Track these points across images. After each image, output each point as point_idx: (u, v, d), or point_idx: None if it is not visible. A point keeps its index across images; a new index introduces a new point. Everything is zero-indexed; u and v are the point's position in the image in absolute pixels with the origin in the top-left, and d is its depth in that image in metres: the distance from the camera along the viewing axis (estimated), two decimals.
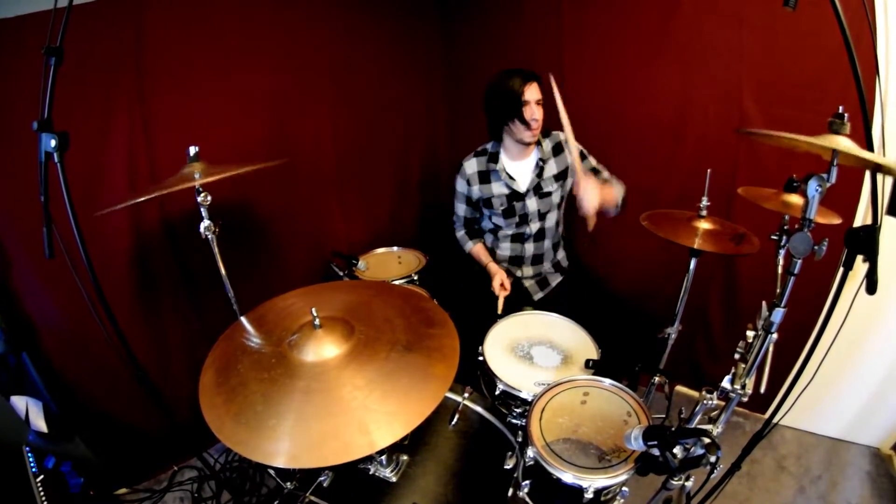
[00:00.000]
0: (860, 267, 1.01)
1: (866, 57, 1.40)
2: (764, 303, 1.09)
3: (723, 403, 1.16)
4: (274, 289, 1.19)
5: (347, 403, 0.81)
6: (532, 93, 1.58)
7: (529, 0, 2.02)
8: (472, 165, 1.80)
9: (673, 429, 0.91)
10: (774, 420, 1.50)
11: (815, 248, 0.92)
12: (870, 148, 1.03)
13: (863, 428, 1.87)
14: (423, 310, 1.05)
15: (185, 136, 1.47)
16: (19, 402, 1.33)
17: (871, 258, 1.00)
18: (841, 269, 1.13)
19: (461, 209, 1.90)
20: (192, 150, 1.14)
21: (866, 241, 0.99)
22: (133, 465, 1.68)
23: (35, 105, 0.97)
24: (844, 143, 0.87)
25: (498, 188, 1.77)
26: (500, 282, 1.72)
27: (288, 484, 1.16)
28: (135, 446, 1.64)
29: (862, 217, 1.64)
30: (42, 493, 1.23)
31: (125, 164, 1.42)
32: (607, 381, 1.19)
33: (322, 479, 1.10)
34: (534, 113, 1.58)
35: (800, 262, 0.95)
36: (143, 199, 1.02)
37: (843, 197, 1.59)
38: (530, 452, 1.01)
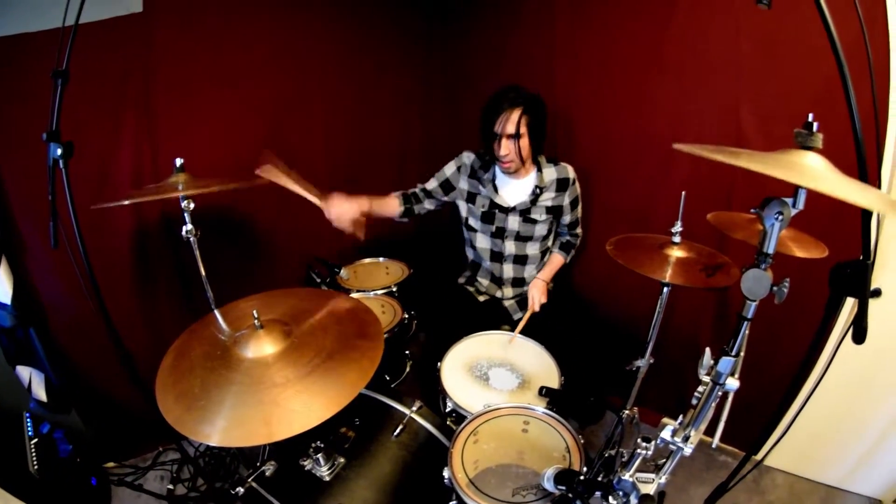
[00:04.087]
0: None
1: (882, 70, 1.32)
2: (708, 349, 0.93)
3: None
4: (257, 291, 1.28)
5: (262, 397, 0.89)
6: (501, 126, 1.57)
7: (524, 12, 2.04)
8: (470, 158, 1.81)
9: (581, 477, 0.91)
10: (741, 472, 1.42)
11: (775, 288, 0.77)
12: (862, 175, 0.85)
13: (863, 476, 1.73)
14: (361, 322, 1.11)
15: (185, 142, 1.66)
16: (24, 372, 1.51)
17: (861, 300, 0.88)
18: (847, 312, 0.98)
19: (428, 186, 1.84)
20: (178, 161, 1.29)
21: (854, 280, 0.87)
22: (122, 441, 1.83)
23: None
24: (813, 162, 0.71)
25: (483, 191, 1.79)
26: (342, 210, 1.54)
27: (250, 470, 1.25)
28: (125, 425, 1.79)
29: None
30: (34, 454, 1.39)
31: (130, 167, 1.60)
32: (540, 410, 1.18)
33: (265, 468, 1.18)
34: (502, 148, 1.59)
35: (754, 305, 0.80)
36: (126, 202, 1.17)
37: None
38: (445, 474, 1.03)
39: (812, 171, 0.70)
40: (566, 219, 1.85)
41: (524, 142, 1.60)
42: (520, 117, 1.56)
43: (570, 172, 1.77)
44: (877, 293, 1.53)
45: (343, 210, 1.55)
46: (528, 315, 1.71)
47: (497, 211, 1.77)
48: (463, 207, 1.86)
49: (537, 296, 1.75)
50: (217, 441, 0.83)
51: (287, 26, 1.89)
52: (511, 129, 1.56)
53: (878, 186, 1.34)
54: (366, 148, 2.26)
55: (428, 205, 1.87)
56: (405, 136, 2.41)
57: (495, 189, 1.76)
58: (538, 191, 1.74)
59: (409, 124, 2.40)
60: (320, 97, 2.04)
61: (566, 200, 1.80)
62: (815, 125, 0.74)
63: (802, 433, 1.75)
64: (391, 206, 1.79)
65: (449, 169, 1.82)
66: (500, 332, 1.61)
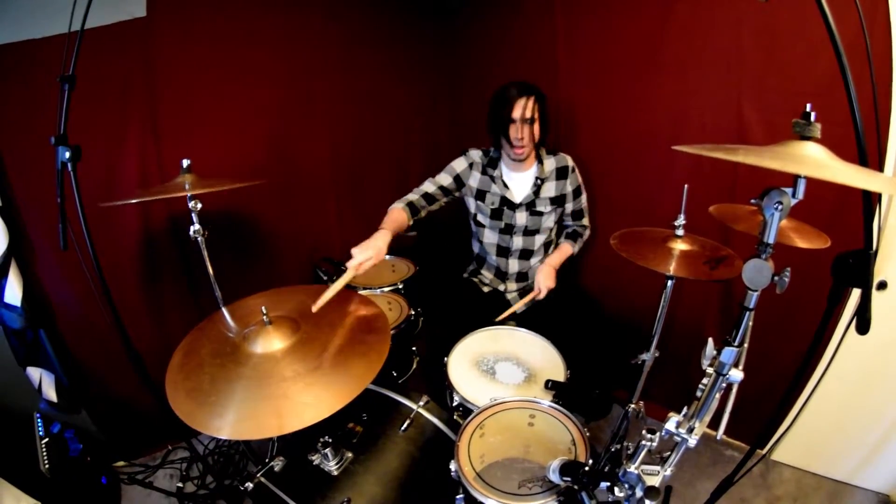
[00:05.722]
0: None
1: (882, 61, 1.32)
2: (711, 340, 0.93)
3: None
4: (264, 290, 1.30)
5: (272, 391, 0.90)
6: (519, 111, 1.62)
7: (525, 11, 2.05)
8: (477, 154, 1.83)
9: (586, 468, 0.91)
10: (745, 468, 1.42)
11: (776, 278, 0.76)
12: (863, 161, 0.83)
13: (872, 471, 1.71)
14: (368, 317, 1.13)
15: (191, 143, 1.67)
16: (34, 373, 1.53)
17: (864, 291, 0.88)
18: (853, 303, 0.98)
19: (439, 181, 1.77)
20: (185, 162, 1.30)
21: (857, 270, 0.87)
22: (132, 440, 1.85)
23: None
24: (811, 151, 0.70)
25: (494, 188, 1.81)
26: (359, 260, 1.36)
27: (259, 466, 1.26)
28: (135, 424, 1.81)
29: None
30: (45, 454, 1.41)
31: (137, 169, 1.62)
32: (545, 404, 1.18)
33: (274, 464, 1.19)
34: (518, 132, 1.64)
35: (755, 294, 0.79)
36: (135, 200, 1.18)
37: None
38: (452, 467, 1.04)
39: (810, 160, 0.70)
40: (569, 207, 1.87)
41: (536, 127, 1.67)
42: (534, 104, 1.64)
43: (569, 161, 1.82)
44: (883, 285, 1.53)
45: (366, 262, 1.39)
46: (529, 297, 1.71)
47: (506, 208, 1.80)
48: (471, 204, 1.87)
49: (543, 281, 1.73)
50: (228, 434, 0.85)
51: (290, 28, 1.90)
52: (528, 113, 1.63)
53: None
54: (370, 148, 2.27)
55: (433, 207, 1.79)
56: (408, 135, 2.42)
57: (505, 185, 1.79)
58: (539, 181, 1.77)
59: (413, 123, 2.42)
60: (324, 98, 2.06)
61: (568, 188, 1.82)
62: (813, 115, 0.73)
63: (810, 427, 1.74)
64: (402, 222, 1.66)
65: (459, 165, 1.82)
66: (507, 328, 1.61)
